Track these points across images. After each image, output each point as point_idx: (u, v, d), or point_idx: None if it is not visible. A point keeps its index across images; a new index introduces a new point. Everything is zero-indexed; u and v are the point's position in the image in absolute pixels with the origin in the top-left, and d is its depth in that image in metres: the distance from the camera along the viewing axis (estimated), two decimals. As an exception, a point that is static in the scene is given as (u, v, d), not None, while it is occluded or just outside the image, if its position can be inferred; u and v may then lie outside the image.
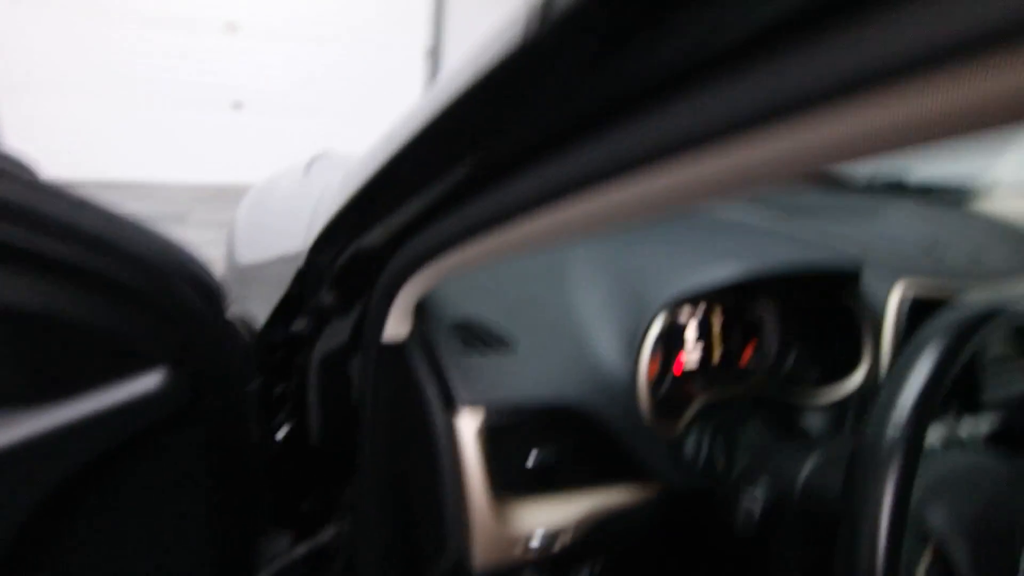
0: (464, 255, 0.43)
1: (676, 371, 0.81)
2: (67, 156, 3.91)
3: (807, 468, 0.57)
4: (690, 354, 0.82)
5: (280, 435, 0.79)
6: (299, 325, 0.70)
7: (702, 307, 0.82)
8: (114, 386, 0.45)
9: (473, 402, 0.56)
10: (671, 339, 0.80)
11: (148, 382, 0.47)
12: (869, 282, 0.81)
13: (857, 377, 0.79)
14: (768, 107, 0.20)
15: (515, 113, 0.32)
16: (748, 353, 0.88)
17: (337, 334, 0.68)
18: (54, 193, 0.40)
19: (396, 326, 0.58)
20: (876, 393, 0.78)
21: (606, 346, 0.65)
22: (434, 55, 4.77)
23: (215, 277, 0.57)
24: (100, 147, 4.00)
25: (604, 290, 0.70)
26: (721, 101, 0.22)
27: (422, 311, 0.61)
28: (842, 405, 0.81)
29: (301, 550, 0.79)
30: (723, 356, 0.85)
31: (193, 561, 0.60)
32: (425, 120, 0.37)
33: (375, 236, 0.53)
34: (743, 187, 0.25)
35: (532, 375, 0.60)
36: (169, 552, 0.57)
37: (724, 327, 0.85)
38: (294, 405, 0.79)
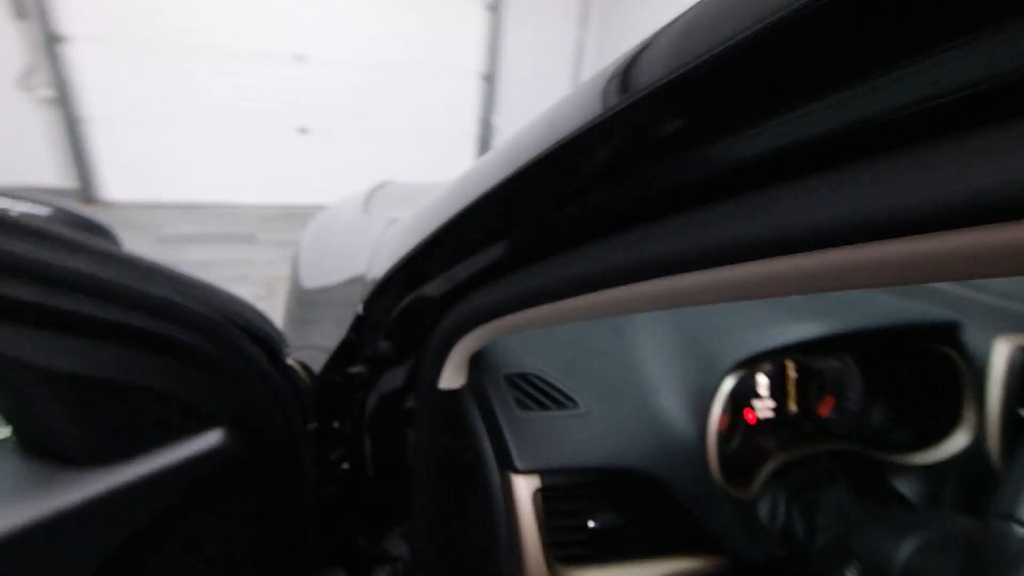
0: (519, 320, 0.41)
1: (750, 419, 0.75)
2: (150, 180, 4.21)
3: (906, 549, 0.51)
4: (763, 405, 0.76)
5: (337, 471, 0.78)
6: (356, 369, 0.70)
7: (774, 360, 0.76)
8: (177, 445, 0.45)
9: (530, 463, 0.54)
10: (742, 391, 0.75)
11: (210, 439, 0.47)
12: (968, 330, 0.73)
13: (958, 440, 0.71)
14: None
15: (581, 187, 0.30)
16: (828, 405, 0.81)
17: (393, 380, 0.68)
18: (126, 263, 0.41)
19: (451, 376, 0.57)
20: (985, 464, 0.70)
21: (673, 405, 0.61)
22: (489, 80, 4.85)
23: (275, 327, 0.57)
24: (178, 171, 4.28)
25: (670, 346, 0.66)
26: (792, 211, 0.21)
27: (478, 362, 0.60)
28: (940, 468, 0.72)
29: (354, 590, 0.78)
30: (799, 406, 0.79)
31: None
32: (489, 184, 0.35)
33: (432, 289, 0.52)
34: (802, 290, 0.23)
35: (592, 435, 0.57)
36: None
37: (800, 379, 0.79)
38: (351, 443, 0.78)
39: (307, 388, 0.64)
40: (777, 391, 0.78)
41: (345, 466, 0.79)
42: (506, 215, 0.38)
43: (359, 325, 0.66)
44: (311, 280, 1.05)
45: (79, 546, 0.41)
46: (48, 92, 3.75)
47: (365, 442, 0.78)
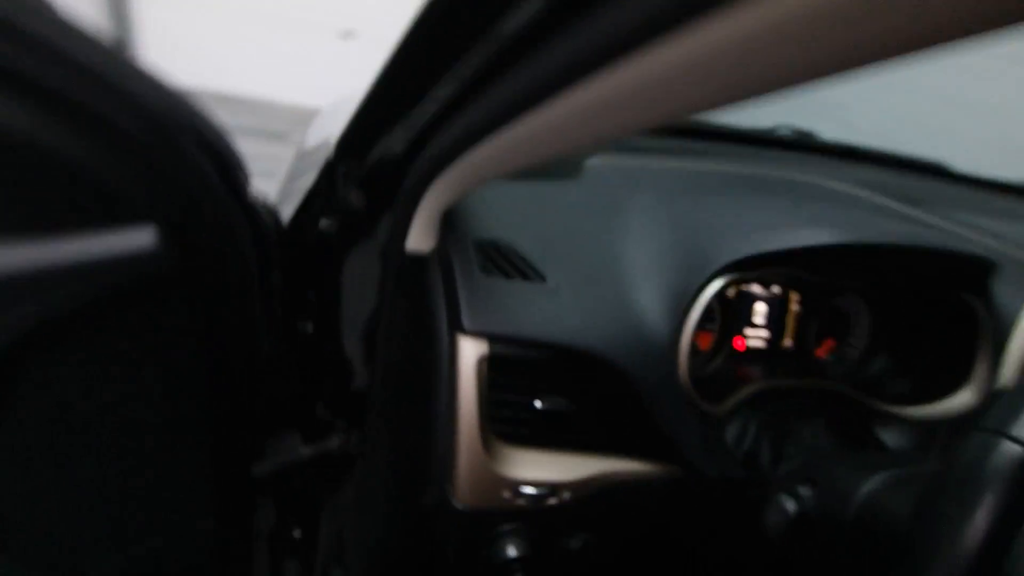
0: (481, 155, 0.38)
1: (738, 346, 0.70)
2: (190, 66, 4.18)
3: (872, 483, 0.46)
4: (756, 332, 0.71)
5: (300, 332, 0.77)
6: (326, 224, 0.66)
7: (777, 285, 0.69)
8: (102, 235, 0.42)
9: (480, 325, 0.50)
10: (737, 311, 0.69)
11: (140, 238, 0.44)
12: (999, 287, 0.65)
13: (963, 396, 0.64)
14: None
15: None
16: (827, 346, 0.75)
17: (368, 246, 0.64)
18: (78, 32, 0.38)
19: (420, 237, 0.53)
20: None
21: (650, 298, 0.56)
22: None
23: (234, 150, 0.53)
24: (221, 60, 4.23)
25: (660, 240, 0.60)
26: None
27: (450, 226, 0.55)
28: (931, 424, 0.67)
29: (306, 451, 0.78)
30: (795, 343, 0.73)
31: (189, 437, 0.60)
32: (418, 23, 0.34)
33: (399, 138, 0.48)
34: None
35: (555, 310, 0.53)
36: (162, 424, 0.56)
37: (802, 311, 0.72)
38: (316, 306, 0.76)
39: (270, 228, 0.61)
40: (775, 323, 0.72)
41: (312, 330, 0.77)
42: (439, 52, 0.37)
43: (330, 172, 0.61)
44: (311, 142, 1.01)
45: None
46: (97, -42, 3.67)
47: (334, 307, 0.75)
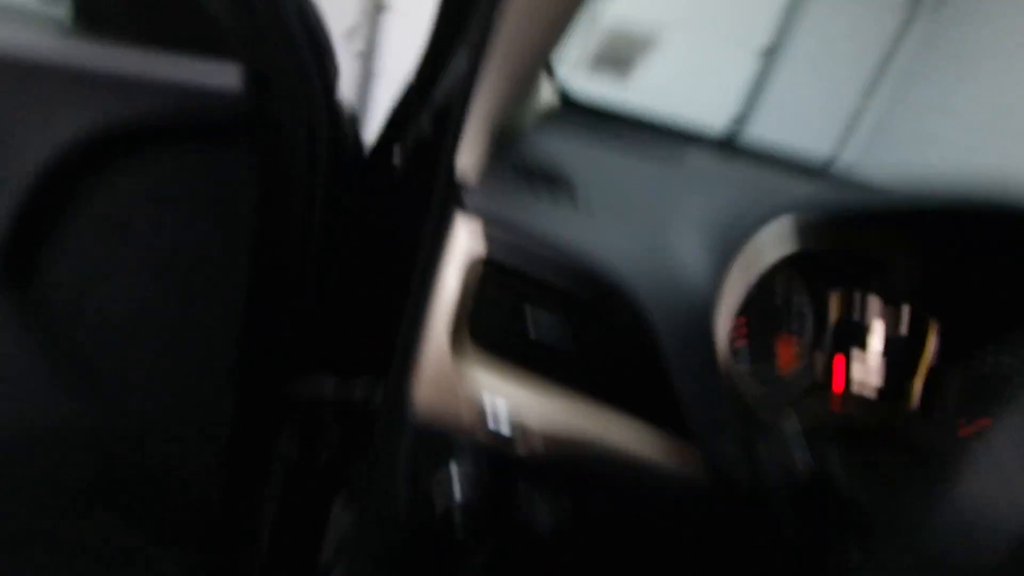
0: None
1: (836, 385, 0.53)
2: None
3: None
4: (864, 364, 0.53)
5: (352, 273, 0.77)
6: (398, 156, 0.67)
7: (907, 308, 0.53)
8: (193, 61, 0.47)
9: (482, 204, 0.44)
10: (837, 324, 0.53)
11: (226, 74, 0.48)
12: None
13: None
14: None
15: None
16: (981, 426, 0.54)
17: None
18: None
19: (468, 157, 0.51)
20: None
21: (693, 239, 0.45)
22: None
23: (332, 47, 0.57)
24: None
25: (726, 197, 0.49)
26: None
27: (499, 157, 0.53)
28: None
29: (330, 392, 0.76)
30: (923, 403, 0.54)
31: (222, 308, 0.60)
32: None
33: (454, 71, 0.50)
34: None
35: (578, 222, 0.45)
36: (203, 284, 0.58)
37: (941, 359, 0.53)
38: (374, 255, 0.76)
39: (348, 139, 0.63)
40: (896, 357, 0.53)
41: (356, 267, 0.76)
42: None
43: (409, 95, 0.63)
44: None
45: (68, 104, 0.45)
46: (360, 48, 4.65)
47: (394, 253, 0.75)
